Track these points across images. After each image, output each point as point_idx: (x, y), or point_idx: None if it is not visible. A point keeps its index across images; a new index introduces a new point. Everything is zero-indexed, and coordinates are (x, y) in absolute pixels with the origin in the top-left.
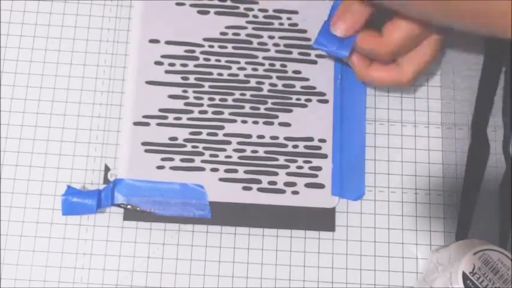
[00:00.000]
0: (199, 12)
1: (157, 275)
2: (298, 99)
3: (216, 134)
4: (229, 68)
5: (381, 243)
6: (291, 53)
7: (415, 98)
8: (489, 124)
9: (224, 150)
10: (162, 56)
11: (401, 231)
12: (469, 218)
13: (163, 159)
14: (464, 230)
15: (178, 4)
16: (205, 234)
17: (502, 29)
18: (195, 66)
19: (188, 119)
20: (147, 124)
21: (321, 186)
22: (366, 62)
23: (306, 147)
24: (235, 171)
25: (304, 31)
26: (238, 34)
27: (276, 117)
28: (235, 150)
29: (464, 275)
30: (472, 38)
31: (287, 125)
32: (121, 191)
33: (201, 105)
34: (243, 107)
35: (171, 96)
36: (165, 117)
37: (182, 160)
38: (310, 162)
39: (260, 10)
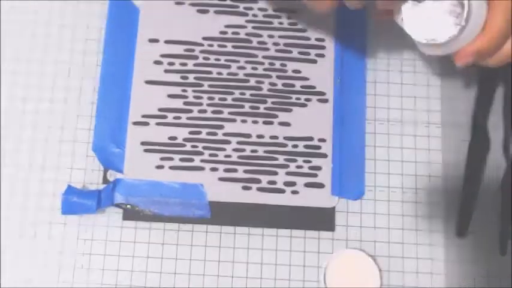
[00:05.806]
0: (198, 11)
1: (156, 275)
2: (298, 98)
3: (215, 134)
4: (229, 67)
5: (381, 243)
6: (290, 52)
7: (415, 98)
8: (489, 124)
9: (224, 149)
10: (162, 55)
11: (401, 231)
12: (469, 217)
13: (162, 159)
14: (464, 230)
15: (177, 3)
16: (205, 234)
17: None
18: (195, 65)
19: (188, 118)
20: (147, 124)
21: (320, 185)
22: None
23: (305, 146)
24: (235, 170)
25: (304, 30)
26: (237, 33)
27: (276, 116)
28: (234, 149)
29: None
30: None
31: (287, 124)
32: (120, 190)
33: (201, 104)
34: (242, 106)
35: (171, 96)
36: (165, 117)
37: (182, 160)
38: (309, 161)
39: (260, 9)
